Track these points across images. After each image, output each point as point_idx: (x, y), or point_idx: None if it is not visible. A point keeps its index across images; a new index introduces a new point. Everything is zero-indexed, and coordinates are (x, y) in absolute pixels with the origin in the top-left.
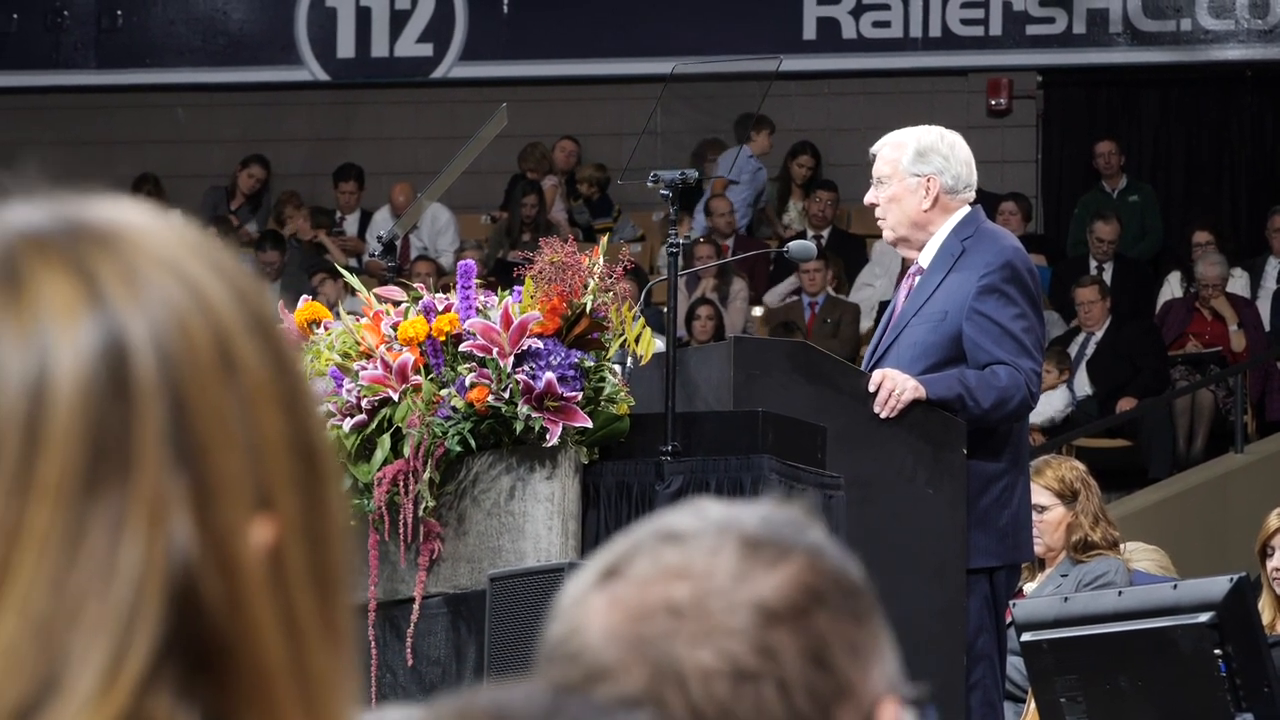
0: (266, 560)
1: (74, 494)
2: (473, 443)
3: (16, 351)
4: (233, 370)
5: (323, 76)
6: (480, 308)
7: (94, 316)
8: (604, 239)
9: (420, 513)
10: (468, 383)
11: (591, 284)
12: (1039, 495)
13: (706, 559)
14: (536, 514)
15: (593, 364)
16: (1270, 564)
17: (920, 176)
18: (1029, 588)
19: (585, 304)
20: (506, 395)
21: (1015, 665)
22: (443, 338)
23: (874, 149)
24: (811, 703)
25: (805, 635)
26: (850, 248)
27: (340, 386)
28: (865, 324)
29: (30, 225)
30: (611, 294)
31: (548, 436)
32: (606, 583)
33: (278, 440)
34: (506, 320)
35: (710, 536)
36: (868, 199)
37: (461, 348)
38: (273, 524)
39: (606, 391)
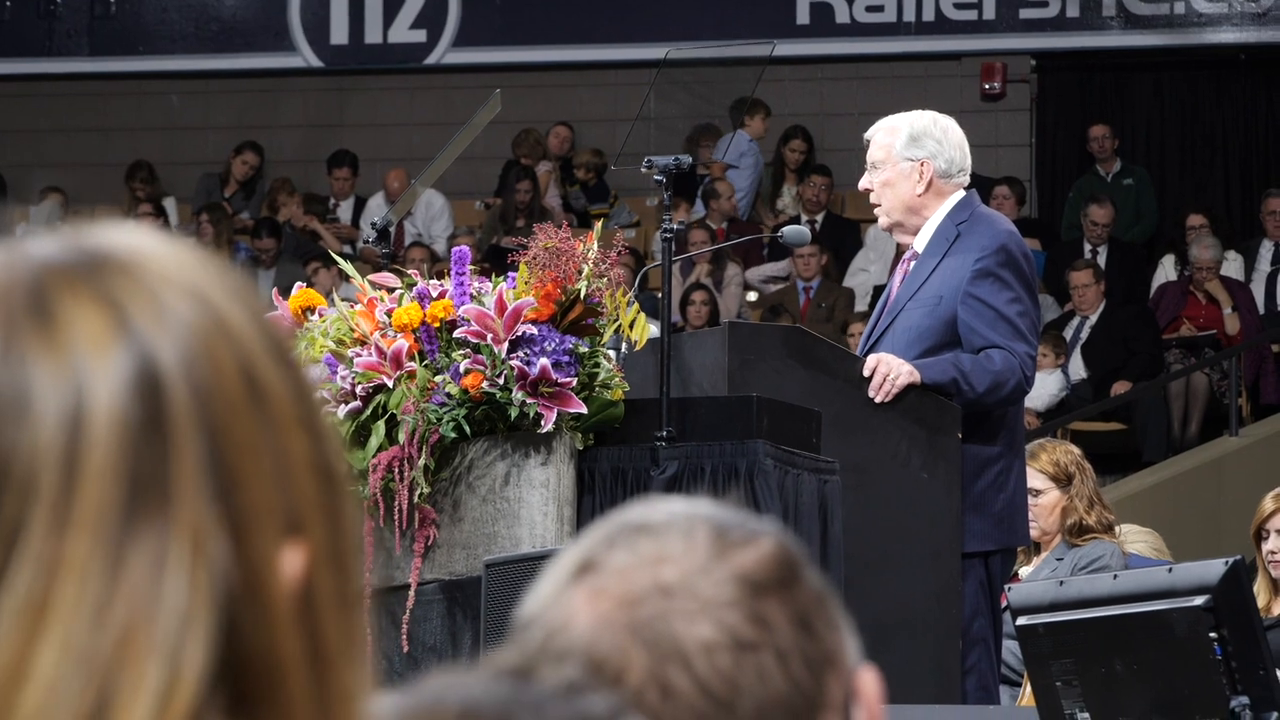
0: (297, 587)
1: (113, 526)
2: (467, 429)
3: (52, 384)
4: (259, 397)
5: (316, 63)
6: (475, 294)
7: (125, 346)
8: (598, 224)
9: (415, 499)
10: (462, 369)
11: (586, 269)
12: (1034, 479)
13: (683, 543)
14: (532, 500)
15: (587, 350)
16: (1266, 547)
17: (914, 161)
18: (1024, 571)
19: (579, 289)
20: (501, 381)
21: (1011, 649)
22: (437, 324)
23: (868, 134)
24: (807, 671)
25: (792, 605)
26: (844, 233)
27: (335, 373)
28: (860, 308)
29: (52, 258)
30: (606, 279)
31: (542, 422)
32: (583, 578)
33: (304, 465)
34: (501, 306)
35: (681, 525)
36: (862, 184)
37: (456, 334)
38: (303, 550)
39: (601, 377)
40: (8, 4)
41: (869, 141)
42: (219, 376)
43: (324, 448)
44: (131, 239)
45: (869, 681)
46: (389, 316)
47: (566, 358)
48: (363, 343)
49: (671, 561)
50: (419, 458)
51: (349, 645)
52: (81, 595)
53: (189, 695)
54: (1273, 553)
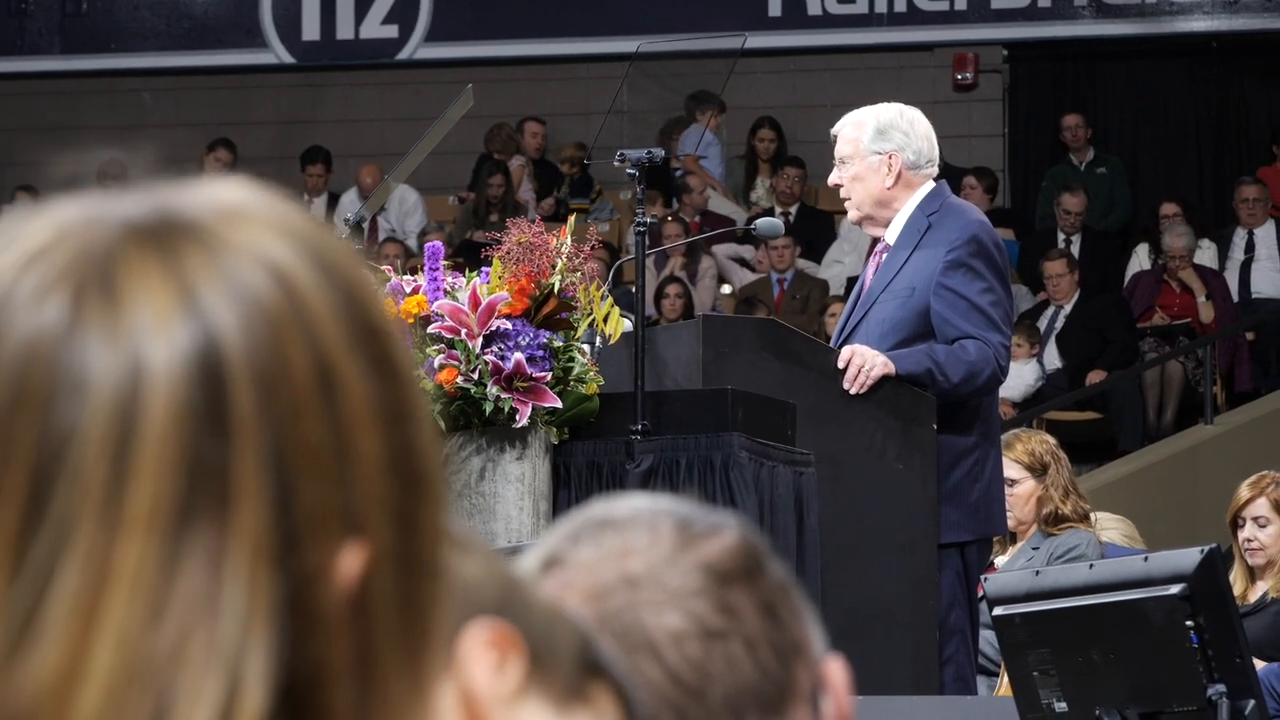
0: (351, 591)
1: (168, 524)
2: (442, 424)
3: (108, 367)
4: (331, 391)
5: (288, 59)
6: (448, 289)
7: (188, 327)
8: (571, 218)
9: None
10: (436, 364)
11: (559, 264)
12: (1009, 469)
13: (648, 537)
14: (507, 495)
15: (561, 344)
16: (1242, 535)
17: (882, 154)
18: (1000, 561)
19: (553, 284)
20: (475, 376)
21: (988, 639)
22: (411, 320)
23: (835, 129)
24: (775, 659)
25: (758, 594)
26: (818, 224)
27: None
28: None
29: (131, 221)
30: (579, 274)
31: (517, 417)
32: (549, 573)
33: (375, 465)
34: (474, 301)
35: (645, 519)
36: (831, 180)
37: (430, 329)
38: (362, 552)
39: (576, 371)
40: None
41: (836, 137)
42: (287, 366)
43: (407, 446)
44: (226, 200)
45: (836, 671)
46: None
47: (541, 352)
48: None
49: (637, 554)
50: None
51: (407, 653)
52: (135, 596)
53: (255, 706)
54: (1249, 540)
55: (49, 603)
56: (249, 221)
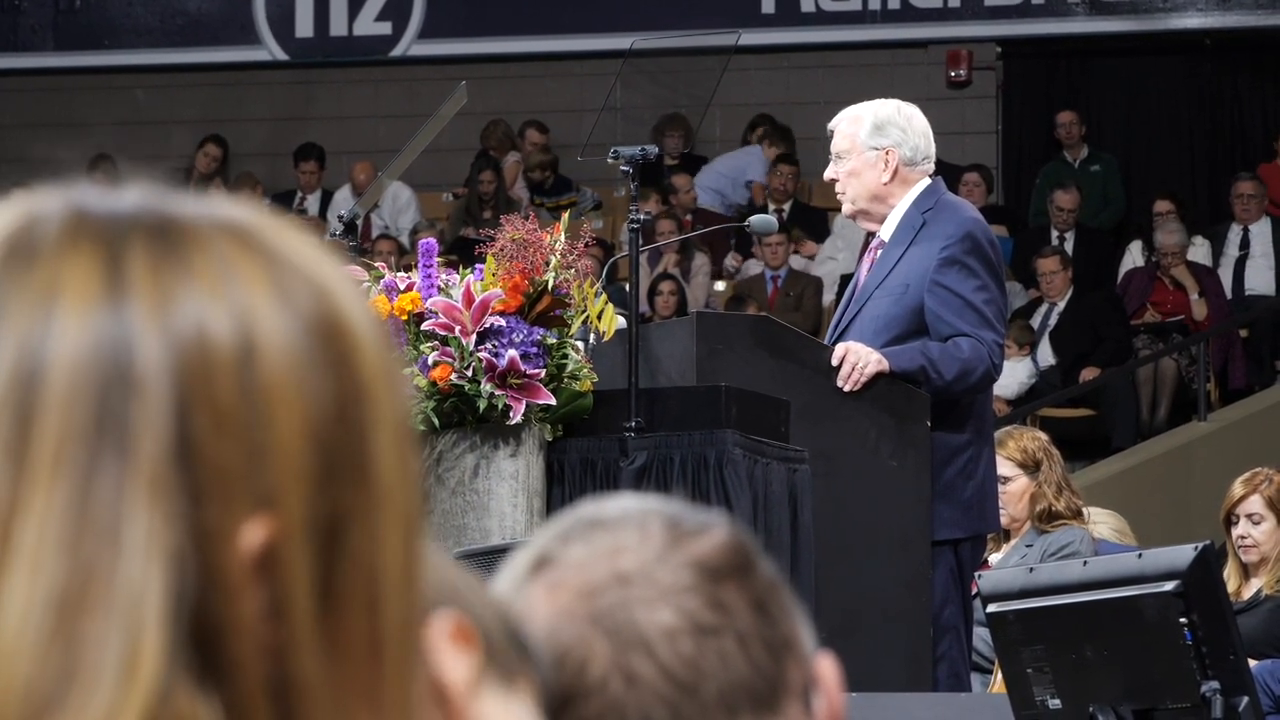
0: (255, 563)
1: (73, 460)
2: (436, 421)
3: (23, 313)
4: (251, 363)
5: (281, 56)
6: (442, 286)
7: (108, 313)
8: (565, 215)
9: None
10: (430, 361)
11: (553, 261)
12: (1002, 466)
13: (638, 535)
14: (501, 492)
15: (555, 341)
16: (1235, 532)
17: (878, 150)
18: (994, 558)
19: (547, 281)
20: (469, 373)
21: (981, 636)
22: (405, 317)
23: (831, 124)
24: (767, 655)
25: (749, 590)
26: (812, 221)
27: None
28: (828, 297)
29: (115, 210)
30: (573, 271)
31: (511, 414)
32: (540, 573)
33: (295, 445)
34: (468, 298)
35: (634, 518)
36: (827, 174)
37: (424, 326)
38: (268, 525)
39: (569, 368)
40: None
41: (833, 132)
42: (205, 330)
43: (354, 445)
44: (210, 212)
45: (828, 668)
46: None
47: (535, 349)
48: None
49: (628, 552)
50: None
51: (325, 638)
52: (46, 526)
53: (156, 647)
54: (1242, 537)
55: None
56: (224, 233)
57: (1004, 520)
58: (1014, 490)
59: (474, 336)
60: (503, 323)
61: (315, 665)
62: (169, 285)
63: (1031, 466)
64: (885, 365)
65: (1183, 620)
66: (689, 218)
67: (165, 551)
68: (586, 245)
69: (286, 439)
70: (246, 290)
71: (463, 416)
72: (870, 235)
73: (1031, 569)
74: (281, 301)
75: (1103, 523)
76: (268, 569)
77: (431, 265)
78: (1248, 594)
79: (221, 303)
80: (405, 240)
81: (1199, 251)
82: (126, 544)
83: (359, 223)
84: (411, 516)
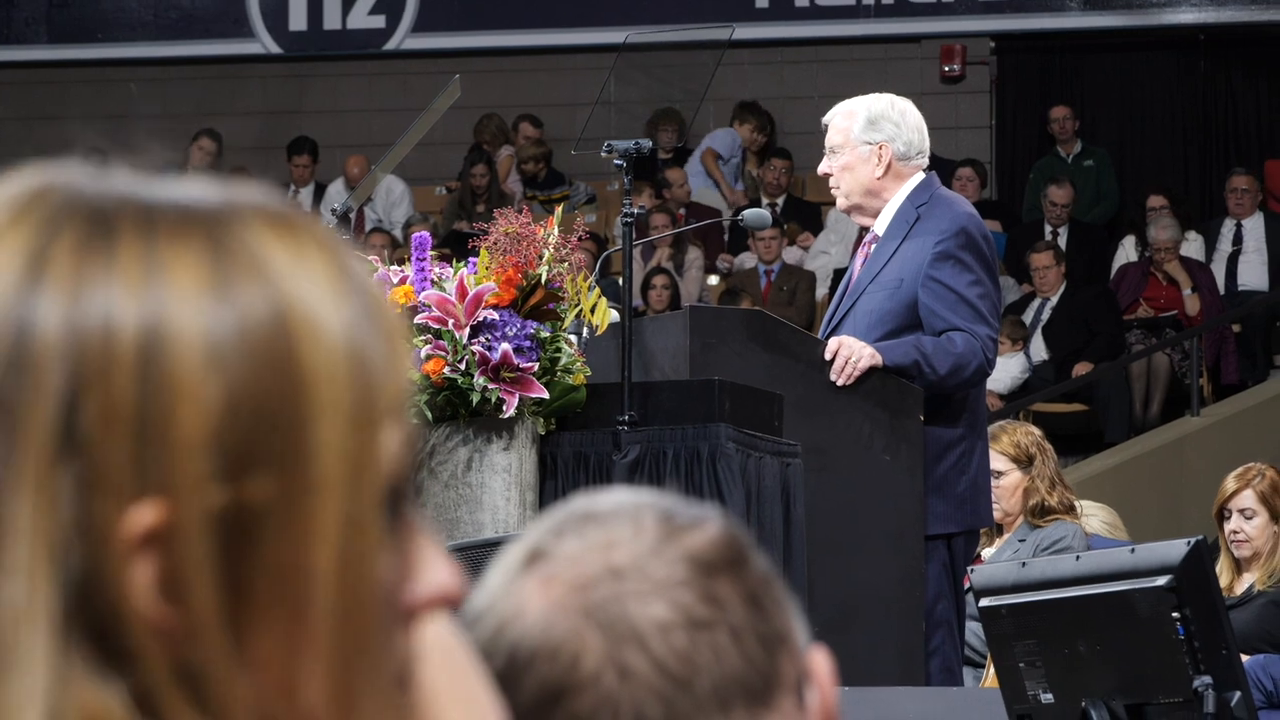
0: (142, 548)
1: None
2: (429, 415)
3: None
4: (151, 360)
5: (275, 49)
6: (435, 280)
7: (22, 295)
8: (559, 208)
9: None
10: (423, 355)
11: (547, 254)
12: (995, 461)
13: (631, 529)
14: (494, 485)
15: (549, 334)
16: (1228, 527)
17: (872, 145)
18: (987, 553)
19: (540, 275)
20: (463, 367)
21: (974, 631)
22: (398, 310)
23: (825, 119)
24: (761, 648)
25: (742, 584)
26: (806, 215)
27: None
28: (821, 291)
29: (75, 193)
30: (567, 264)
31: (504, 408)
32: (533, 566)
33: (198, 440)
34: (462, 292)
35: (627, 512)
36: (821, 169)
37: (417, 320)
38: (157, 514)
39: (563, 362)
40: None
41: (827, 126)
42: (109, 324)
43: (260, 423)
44: (175, 196)
45: (821, 662)
46: None
47: (528, 343)
48: None
49: (621, 546)
50: None
51: (239, 629)
52: None
53: (44, 631)
54: (1235, 532)
55: None
56: (199, 198)
57: (997, 515)
58: (1007, 485)
59: (467, 330)
60: (496, 316)
61: (222, 656)
62: (86, 275)
63: (1024, 461)
64: (879, 359)
65: (1175, 615)
66: (682, 212)
67: (49, 539)
68: (580, 239)
69: (187, 433)
70: (170, 286)
71: (455, 410)
72: (864, 230)
73: (1024, 564)
74: (215, 298)
75: (1094, 516)
76: (162, 555)
77: (425, 259)
78: (1240, 589)
79: (135, 297)
80: (399, 234)
81: (1192, 246)
82: (8, 531)
83: (352, 216)
84: (360, 514)
